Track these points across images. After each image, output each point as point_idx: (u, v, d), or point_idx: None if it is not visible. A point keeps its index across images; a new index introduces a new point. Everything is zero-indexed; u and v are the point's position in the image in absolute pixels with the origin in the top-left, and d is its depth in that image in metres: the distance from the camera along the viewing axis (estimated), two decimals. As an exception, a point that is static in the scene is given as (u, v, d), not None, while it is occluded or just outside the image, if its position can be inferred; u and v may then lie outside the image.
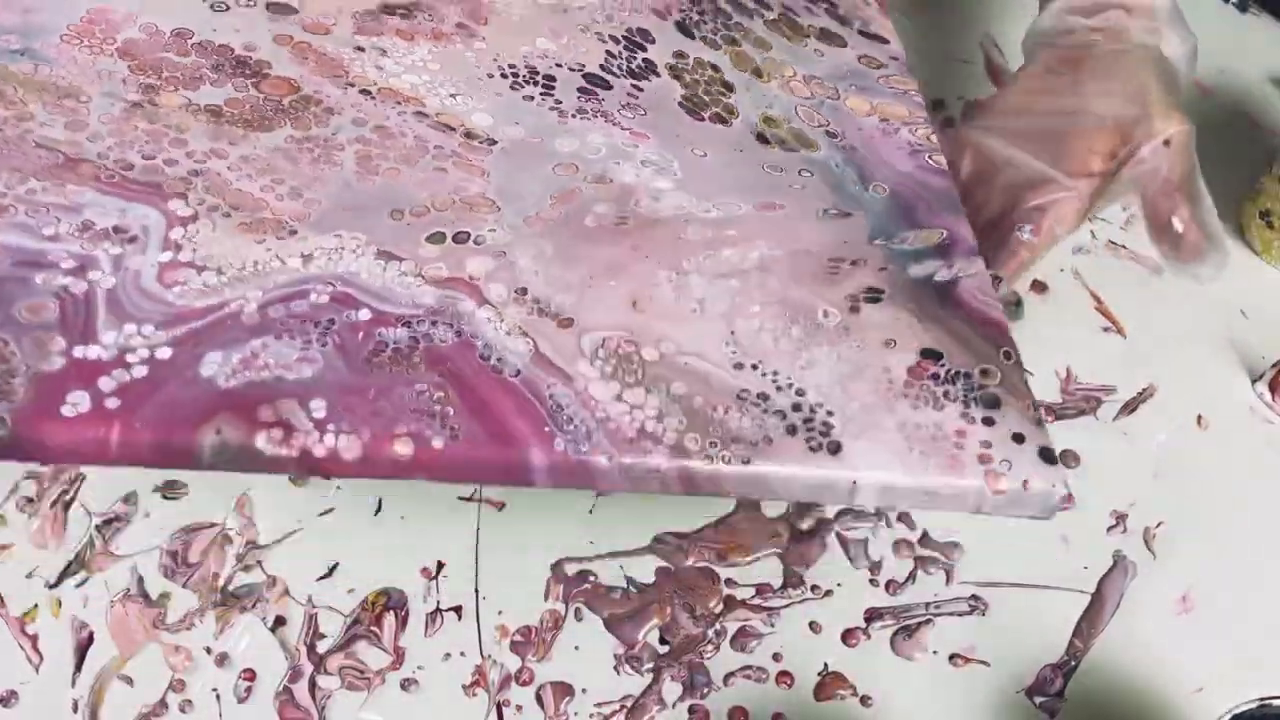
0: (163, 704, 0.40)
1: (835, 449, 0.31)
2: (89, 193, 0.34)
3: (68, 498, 0.44)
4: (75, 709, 0.40)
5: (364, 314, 0.32)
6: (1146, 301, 0.51)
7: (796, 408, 0.32)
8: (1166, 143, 0.40)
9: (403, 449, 0.29)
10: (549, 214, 0.37)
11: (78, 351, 0.30)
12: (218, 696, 0.41)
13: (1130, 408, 0.48)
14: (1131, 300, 0.51)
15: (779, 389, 0.33)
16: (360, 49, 0.42)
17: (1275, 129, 0.56)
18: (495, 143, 0.39)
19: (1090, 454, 0.47)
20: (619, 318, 0.33)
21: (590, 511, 0.45)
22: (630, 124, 0.41)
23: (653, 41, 0.44)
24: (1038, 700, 0.42)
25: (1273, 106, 0.57)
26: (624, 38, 0.44)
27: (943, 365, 0.34)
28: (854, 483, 0.31)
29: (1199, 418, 0.48)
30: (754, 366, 0.33)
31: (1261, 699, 0.36)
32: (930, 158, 0.42)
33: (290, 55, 0.41)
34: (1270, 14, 0.60)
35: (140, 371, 0.30)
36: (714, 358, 0.33)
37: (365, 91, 0.40)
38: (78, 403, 0.29)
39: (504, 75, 0.42)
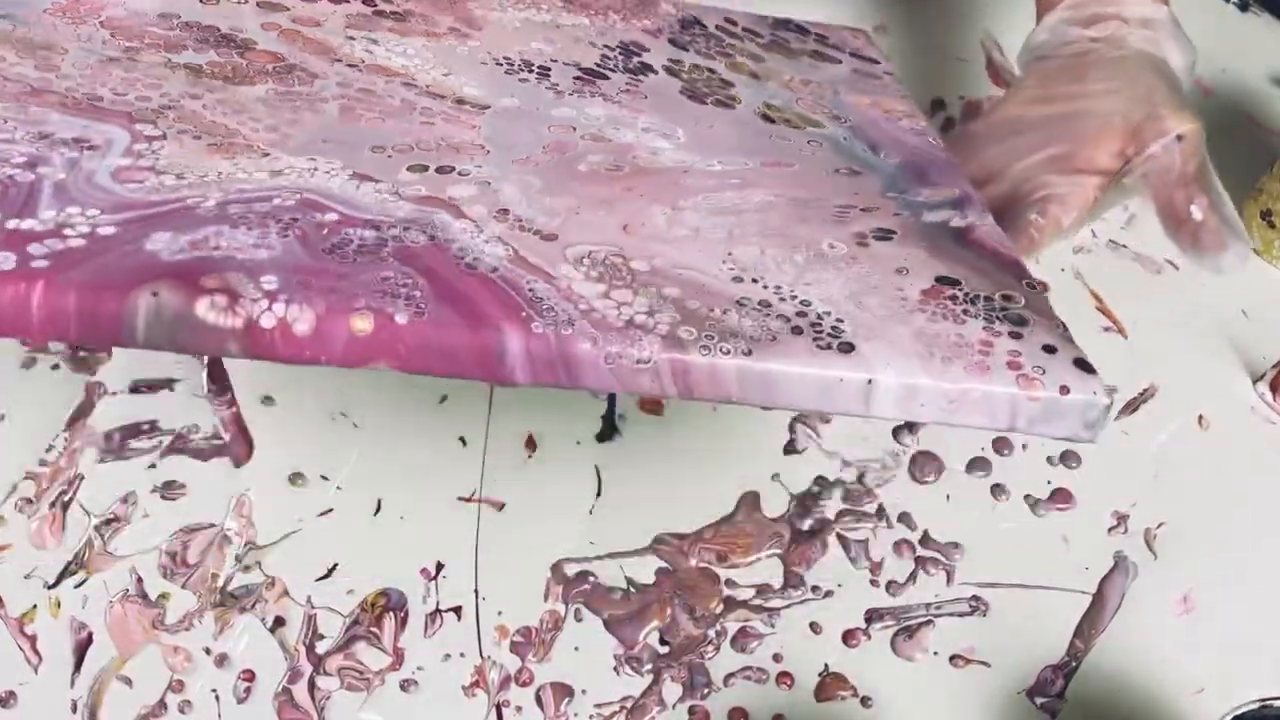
0: (162, 704, 0.40)
1: (847, 348, 0.29)
2: (53, 114, 0.32)
3: (67, 498, 0.44)
4: (75, 709, 0.40)
5: (330, 216, 0.30)
6: (1147, 301, 0.51)
7: (801, 314, 0.30)
8: (1180, 138, 0.40)
9: (361, 323, 0.26)
10: (540, 158, 0.34)
11: (11, 224, 0.28)
12: (217, 697, 0.41)
13: (1131, 408, 0.48)
14: (1132, 300, 0.51)
15: (782, 299, 0.30)
16: (351, 38, 0.40)
17: (1275, 129, 0.56)
18: (488, 108, 0.37)
19: (1091, 454, 0.47)
20: (608, 236, 0.31)
21: (590, 512, 0.45)
22: (631, 103, 0.39)
23: (647, 50, 0.43)
24: (1038, 701, 0.42)
25: (1273, 106, 0.57)
26: (619, 46, 0.43)
27: (960, 289, 0.32)
28: (869, 382, 0.28)
29: (1200, 418, 0.48)
30: (754, 280, 0.31)
31: (1262, 700, 0.36)
32: (933, 139, 0.41)
33: (278, 37, 0.39)
34: (1270, 14, 0.60)
35: (77, 243, 0.27)
36: (710, 272, 0.31)
37: (352, 66, 0.38)
38: (1, 262, 0.26)
39: (498, 64, 0.40)
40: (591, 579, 0.43)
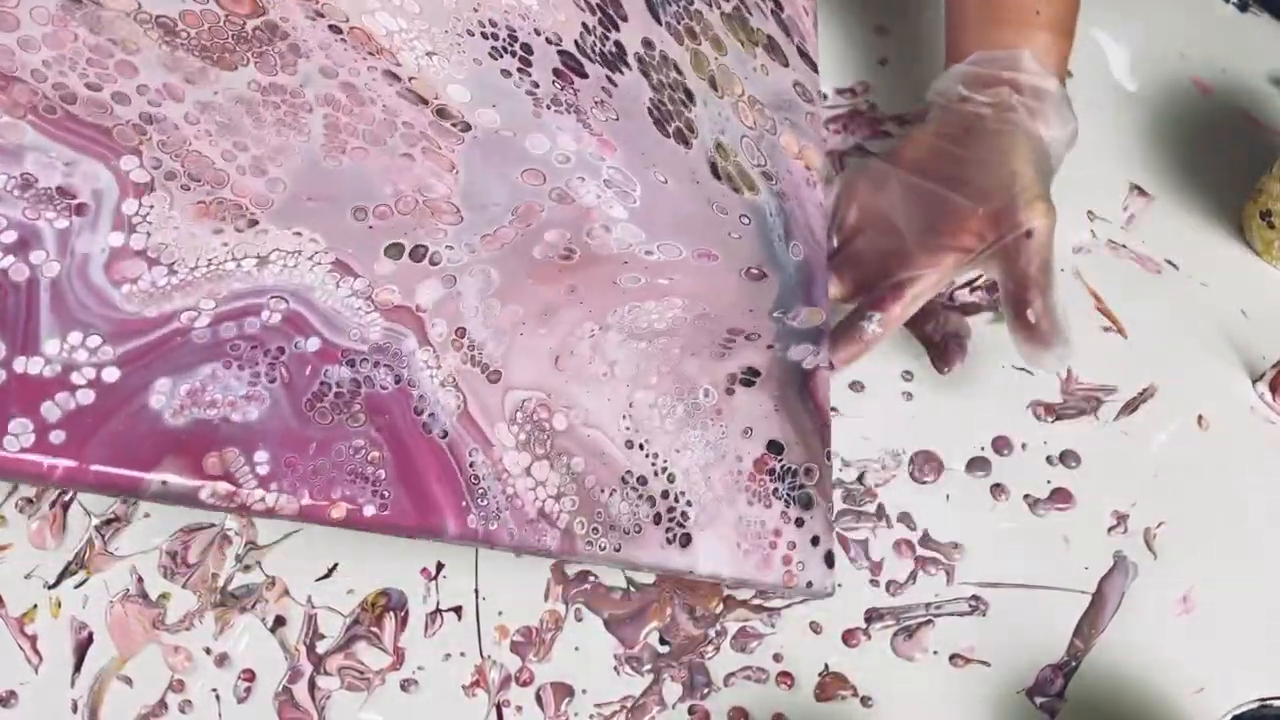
0: (162, 704, 0.40)
1: (686, 542, 0.38)
2: (28, 130, 0.31)
3: (67, 498, 0.44)
4: (75, 709, 0.40)
5: (313, 343, 0.33)
6: (1147, 301, 0.51)
7: (665, 494, 0.38)
8: (1029, 234, 0.42)
9: (337, 513, 0.31)
10: (505, 234, 0.37)
11: (19, 364, 0.29)
12: (217, 697, 0.41)
13: (1131, 408, 0.48)
14: (1132, 300, 0.51)
15: (655, 474, 0.38)
16: None
17: (1275, 129, 0.56)
18: (469, 129, 0.38)
19: (1091, 454, 0.47)
20: (541, 377, 0.37)
21: (590, 512, 0.45)
22: (601, 128, 0.41)
23: (625, 19, 0.43)
24: (1038, 701, 0.42)
25: (1273, 106, 0.57)
26: (599, 6, 0.42)
27: (780, 460, 0.40)
28: (690, 571, 0.38)
29: (1199, 418, 0.48)
30: (640, 447, 0.38)
31: (1262, 699, 0.36)
32: (822, 228, 0.45)
33: None
34: (1270, 14, 0.60)
35: (85, 396, 0.29)
36: (610, 432, 0.37)
37: (335, 29, 0.36)
38: (19, 433, 0.28)
39: (484, 35, 0.39)
40: (591, 579, 0.43)
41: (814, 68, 0.49)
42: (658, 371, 0.39)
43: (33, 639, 0.41)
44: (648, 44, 0.44)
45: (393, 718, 0.40)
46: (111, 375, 0.29)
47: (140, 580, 0.42)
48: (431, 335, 0.35)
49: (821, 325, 0.43)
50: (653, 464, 0.38)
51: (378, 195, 0.35)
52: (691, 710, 0.41)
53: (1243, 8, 0.60)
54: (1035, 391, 0.48)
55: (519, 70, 0.40)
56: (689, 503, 0.38)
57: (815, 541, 0.40)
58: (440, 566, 0.43)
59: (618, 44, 0.42)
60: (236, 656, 0.41)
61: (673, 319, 0.40)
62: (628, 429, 0.38)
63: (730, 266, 0.41)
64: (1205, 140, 0.55)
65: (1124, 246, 0.52)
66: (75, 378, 0.29)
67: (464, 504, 0.33)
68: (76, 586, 0.42)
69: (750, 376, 0.40)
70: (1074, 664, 0.42)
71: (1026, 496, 0.46)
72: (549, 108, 0.40)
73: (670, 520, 0.38)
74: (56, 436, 0.28)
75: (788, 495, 0.40)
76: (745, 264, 0.42)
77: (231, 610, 0.42)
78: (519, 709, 0.41)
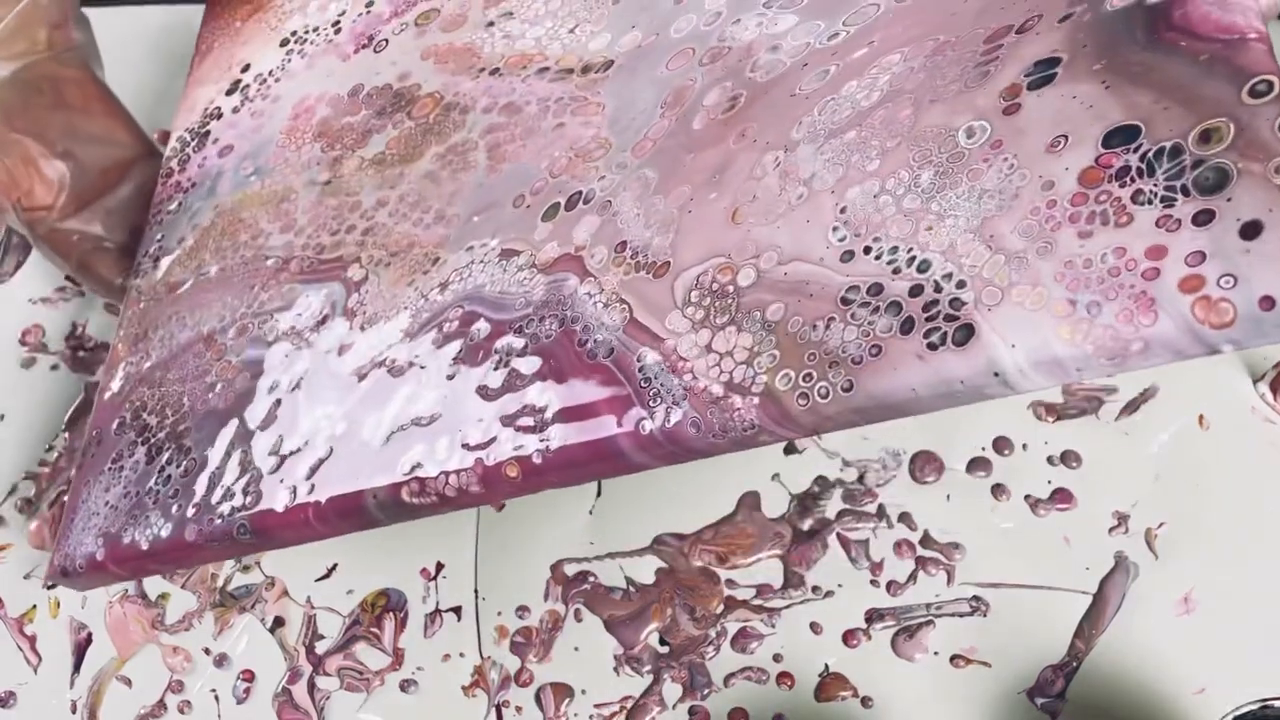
0: (161, 705, 0.40)
1: (964, 337, 0.26)
2: (298, 286, 0.39)
3: (66, 498, 0.43)
4: (74, 710, 0.40)
5: (483, 328, 0.35)
6: (1148, 301, 0.51)
7: (916, 291, 0.27)
8: None
9: (512, 472, 0.32)
10: (657, 129, 0.35)
11: (286, 447, 0.36)
12: (217, 697, 0.41)
13: (1131, 408, 0.48)
14: (1133, 300, 0.51)
15: (896, 271, 0.28)
16: (490, 24, 0.42)
17: (1276, 129, 0.56)
18: (611, 64, 0.38)
19: (1091, 454, 0.47)
20: (716, 241, 0.32)
21: (590, 512, 0.45)
22: None
23: None
24: (1039, 701, 0.42)
25: (1274, 106, 0.57)
26: None
27: (1137, 147, 0.26)
28: (996, 375, 0.26)
29: (1200, 418, 0.48)
30: (866, 250, 0.29)
31: (1263, 700, 0.36)
32: None
33: (434, 67, 0.42)
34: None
35: (323, 451, 0.35)
36: (817, 253, 0.30)
37: (495, 71, 0.41)
38: (283, 497, 0.35)
39: None
40: (591, 579, 0.43)
41: None
42: (880, 151, 0.30)
43: (32, 639, 0.41)
44: None
45: (392, 718, 0.40)
46: (341, 428, 0.36)
47: (139, 580, 0.42)
48: (591, 265, 0.34)
49: None
50: (890, 262, 0.28)
51: (535, 176, 0.37)
52: (692, 711, 0.41)
53: (1243, 7, 0.60)
54: (1036, 392, 0.48)
55: None
56: (960, 284, 0.27)
57: (1253, 231, 0.24)
58: (440, 566, 0.43)
59: None
60: (236, 657, 0.41)
61: (890, 80, 0.31)
62: (842, 239, 0.30)
63: None
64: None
65: (1125, 246, 0.52)
66: (317, 440, 0.36)
67: (634, 412, 0.31)
68: (76, 587, 0.42)
69: (1044, 71, 0.28)
70: (1075, 664, 0.42)
71: (1027, 497, 0.46)
72: None
73: (930, 318, 0.27)
74: (303, 491, 0.35)
75: (1166, 191, 0.25)
76: None
77: (231, 610, 0.42)
78: (518, 709, 0.41)
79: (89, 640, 0.41)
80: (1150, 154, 0.26)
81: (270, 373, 0.38)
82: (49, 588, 0.42)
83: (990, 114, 0.28)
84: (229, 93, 0.47)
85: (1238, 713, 0.36)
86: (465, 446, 0.33)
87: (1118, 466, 0.46)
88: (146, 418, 0.39)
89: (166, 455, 0.38)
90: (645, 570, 0.44)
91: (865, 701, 0.41)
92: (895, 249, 0.28)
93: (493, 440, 0.33)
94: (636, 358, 0.31)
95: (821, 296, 0.29)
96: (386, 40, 0.44)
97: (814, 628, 0.43)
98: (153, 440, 0.38)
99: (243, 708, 0.40)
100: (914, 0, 0.32)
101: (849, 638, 0.43)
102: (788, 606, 0.43)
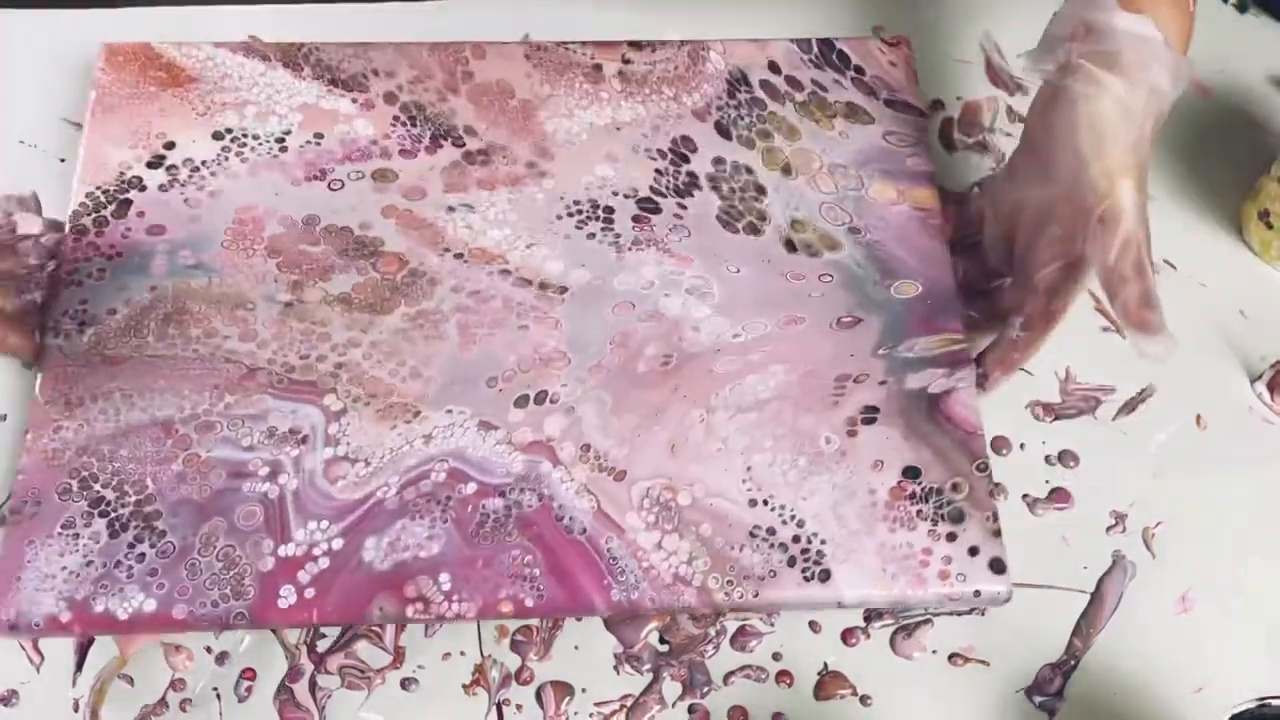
0: (163, 703, 0.40)
1: (825, 577, 0.41)
2: (268, 399, 0.43)
3: None
4: (76, 709, 0.40)
5: (471, 487, 0.42)
6: (1146, 301, 0.51)
7: (796, 539, 0.41)
8: (1101, 221, 0.39)
9: (506, 608, 0.40)
10: (609, 361, 0.44)
11: (282, 551, 0.40)
12: (218, 696, 0.41)
13: (1130, 408, 0.48)
14: (1131, 300, 0.51)
15: (784, 522, 0.42)
16: (451, 208, 0.48)
17: (1275, 129, 0.56)
18: (565, 290, 0.46)
19: (1090, 454, 0.47)
20: (660, 465, 0.43)
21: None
22: (678, 249, 0.47)
23: (695, 150, 0.50)
24: (1037, 700, 0.42)
25: (1273, 106, 0.57)
26: (670, 150, 0.49)
27: (919, 482, 0.43)
28: (838, 602, 0.41)
29: (1198, 418, 0.48)
30: (765, 503, 0.42)
31: (1261, 698, 0.36)
32: (942, 252, 0.47)
33: (396, 227, 0.47)
34: (1270, 14, 0.60)
35: (324, 563, 0.40)
36: (733, 495, 0.42)
37: (459, 255, 0.47)
38: (287, 595, 0.40)
39: (570, 214, 0.48)
40: (591, 578, 0.43)
41: (916, 111, 0.51)
42: (772, 435, 0.43)
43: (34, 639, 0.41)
44: (718, 161, 0.49)
45: (393, 716, 0.40)
46: (338, 544, 0.41)
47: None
48: (562, 456, 0.43)
49: (953, 350, 0.45)
50: (779, 515, 0.42)
51: (504, 365, 0.44)
52: (691, 709, 0.41)
53: (1242, 9, 0.60)
54: (1034, 391, 0.48)
55: (603, 229, 0.47)
56: (823, 541, 0.42)
57: (974, 552, 0.42)
58: (440, 566, 0.43)
59: (689, 174, 0.49)
60: (237, 655, 0.41)
61: (777, 385, 0.44)
62: (749, 490, 0.42)
63: (819, 322, 0.46)
64: (1204, 141, 0.55)
65: (1123, 247, 0.52)
66: (315, 551, 0.40)
67: (606, 583, 0.40)
68: (78, 586, 0.42)
69: (870, 414, 0.44)
70: (1073, 663, 0.42)
71: (1025, 496, 0.46)
72: (630, 249, 0.47)
73: (805, 560, 0.41)
74: (309, 593, 0.40)
75: (934, 514, 0.42)
76: (835, 315, 0.46)
77: (232, 609, 0.42)
78: (519, 708, 0.41)
79: (90, 639, 0.41)
80: (924, 492, 0.43)
81: (251, 478, 0.42)
82: None
83: (839, 431, 0.44)
84: (151, 166, 0.48)
85: (1235, 712, 0.36)
86: (464, 580, 0.40)
87: (1116, 466, 0.47)
88: (100, 490, 0.41)
89: (134, 533, 0.40)
90: (645, 569, 0.44)
91: (864, 700, 0.42)
92: (784, 506, 0.42)
93: (489, 580, 0.40)
94: (605, 540, 0.41)
95: (737, 527, 0.42)
96: (342, 182, 0.48)
97: (813, 626, 0.43)
98: (113, 515, 0.41)
99: (244, 706, 0.40)
100: (787, 332, 0.46)
101: (848, 636, 0.43)
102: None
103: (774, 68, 0.52)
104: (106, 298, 0.45)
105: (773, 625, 0.43)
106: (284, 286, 0.46)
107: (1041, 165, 0.42)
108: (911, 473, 0.43)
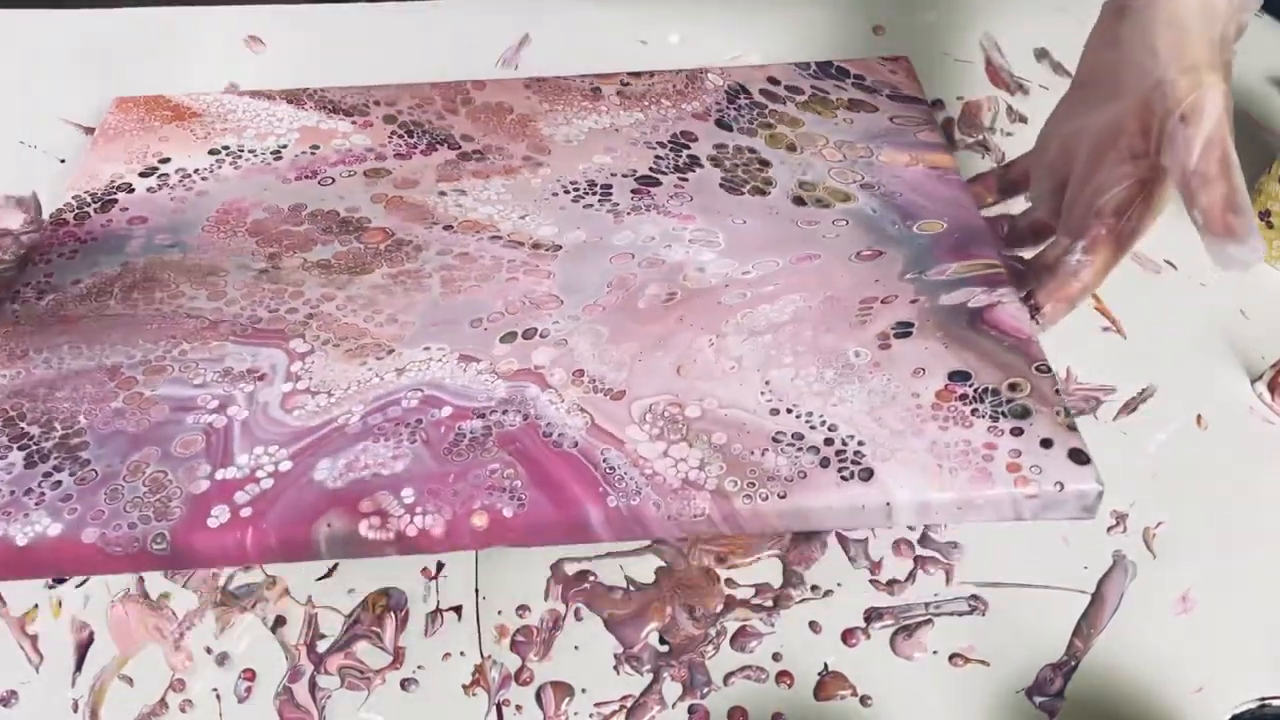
0: (163, 704, 0.40)
1: (867, 476, 0.35)
2: (228, 345, 0.41)
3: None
4: (75, 709, 0.40)
5: (446, 411, 0.38)
6: (1146, 301, 0.51)
7: (829, 442, 0.36)
8: (1182, 119, 0.36)
9: (479, 521, 0.35)
10: (606, 300, 0.41)
11: (219, 474, 0.36)
12: (218, 696, 0.41)
13: (1130, 408, 0.48)
14: (1131, 300, 0.51)
15: (812, 428, 0.37)
16: (443, 193, 0.47)
17: (1275, 129, 0.56)
18: (560, 248, 0.44)
19: (1089, 454, 0.47)
20: (665, 384, 0.39)
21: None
22: (678, 209, 0.45)
23: (696, 140, 0.49)
24: (1037, 700, 0.42)
25: (1273, 107, 0.57)
26: (670, 141, 0.49)
27: (971, 384, 0.38)
28: (888, 504, 0.35)
29: (1198, 418, 0.48)
30: (788, 410, 0.37)
31: (1262, 699, 0.36)
32: (967, 199, 0.45)
33: (385, 210, 0.46)
34: (1270, 14, 0.60)
35: (267, 484, 0.36)
36: (750, 405, 0.38)
37: (448, 227, 0.45)
38: (219, 515, 0.35)
39: (566, 192, 0.46)
40: (591, 578, 0.43)
41: (921, 101, 0.50)
42: (792, 352, 0.39)
43: (34, 638, 0.41)
44: (720, 145, 0.48)
45: (393, 717, 0.40)
46: (285, 466, 0.37)
47: (141, 580, 0.43)
48: (552, 381, 0.39)
49: (991, 273, 0.42)
50: (806, 421, 0.37)
51: (490, 310, 0.42)
52: (691, 709, 0.41)
53: (1242, 8, 0.60)
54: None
55: (600, 200, 0.46)
56: (860, 442, 0.36)
57: (1047, 444, 0.36)
58: (440, 566, 0.43)
59: (690, 155, 0.48)
60: (237, 656, 0.41)
61: (795, 310, 0.41)
62: (769, 401, 0.38)
63: (837, 256, 0.43)
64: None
65: (1123, 246, 0.52)
66: (259, 474, 0.36)
67: (601, 490, 0.35)
68: (77, 586, 0.42)
69: (904, 329, 0.40)
70: (1073, 663, 0.42)
71: (1026, 496, 0.46)
72: (629, 214, 0.45)
73: (841, 461, 0.36)
74: (245, 513, 0.35)
75: (993, 412, 0.37)
76: (854, 249, 0.43)
77: (232, 610, 0.42)
78: (519, 708, 0.41)
79: (90, 639, 0.41)
80: (977, 392, 0.38)
81: (196, 411, 0.39)
82: (49, 587, 0.42)
83: (870, 346, 0.40)
84: (144, 175, 0.48)
85: (1236, 712, 0.36)
86: (431, 494, 0.36)
87: (1116, 466, 0.47)
88: (25, 427, 0.39)
89: (54, 462, 0.37)
90: (645, 569, 0.44)
91: (864, 700, 0.42)
92: (810, 413, 0.38)
93: (460, 494, 0.36)
94: (600, 452, 0.36)
95: (756, 434, 0.37)
96: (333, 179, 0.48)
97: (813, 627, 0.43)
98: (33, 448, 0.38)
99: (244, 707, 0.40)
100: (804, 265, 0.43)
101: (848, 637, 0.43)
102: (787, 606, 0.43)
103: (773, 81, 0.52)
104: (73, 271, 0.44)
105: (773, 626, 0.43)
106: (261, 257, 0.44)
107: (1106, 88, 0.39)
108: (960, 376, 0.38)
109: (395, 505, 0.35)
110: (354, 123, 0.50)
